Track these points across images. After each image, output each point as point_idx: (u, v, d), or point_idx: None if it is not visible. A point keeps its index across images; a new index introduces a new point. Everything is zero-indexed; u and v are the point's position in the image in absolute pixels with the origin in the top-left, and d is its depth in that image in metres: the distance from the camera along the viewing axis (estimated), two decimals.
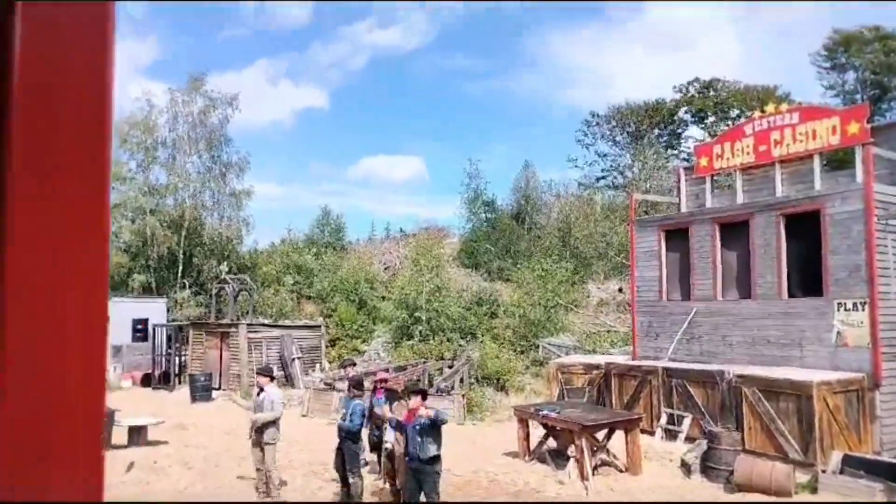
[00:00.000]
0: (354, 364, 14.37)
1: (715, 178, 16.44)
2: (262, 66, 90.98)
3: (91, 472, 0.72)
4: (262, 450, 9.44)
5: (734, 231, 14.40)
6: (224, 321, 25.24)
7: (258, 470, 9.63)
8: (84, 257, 0.74)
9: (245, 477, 10.58)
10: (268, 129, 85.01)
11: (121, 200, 32.30)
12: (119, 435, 13.75)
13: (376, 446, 9.99)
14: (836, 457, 10.13)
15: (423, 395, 8.16)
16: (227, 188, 35.13)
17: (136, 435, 13.78)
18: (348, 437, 9.22)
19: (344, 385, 11.94)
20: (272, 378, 10.27)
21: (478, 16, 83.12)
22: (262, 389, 9.77)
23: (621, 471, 11.16)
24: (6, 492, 0.66)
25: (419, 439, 7.62)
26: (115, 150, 33.24)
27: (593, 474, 10.54)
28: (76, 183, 0.74)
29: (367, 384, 11.25)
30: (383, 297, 29.37)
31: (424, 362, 20.40)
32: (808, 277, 12.98)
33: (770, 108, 15.19)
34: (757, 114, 15.40)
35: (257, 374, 10.23)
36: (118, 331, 26.73)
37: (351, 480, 9.12)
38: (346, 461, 9.20)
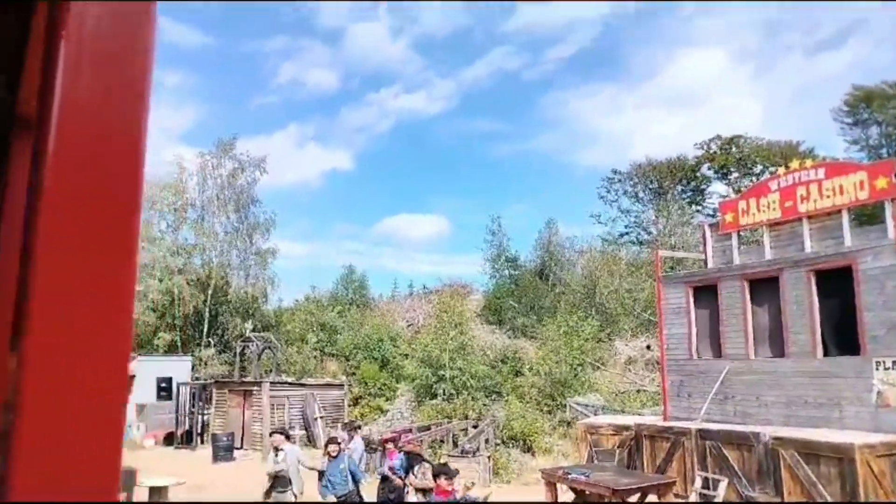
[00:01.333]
0: (359, 427, 14.00)
1: (741, 234, 16.27)
2: (291, 131, 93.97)
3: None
4: None
5: (764, 287, 14.13)
6: (247, 380, 25.23)
7: None
8: (109, 301, 0.75)
9: None
10: (295, 189, 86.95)
11: (149, 260, 32.98)
12: (140, 495, 13.59)
13: None
14: None
15: (451, 475, 7.79)
16: (253, 247, 35.76)
17: (157, 495, 13.60)
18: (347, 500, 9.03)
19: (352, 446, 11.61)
20: (288, 437, 10.27)
21: (500, 79, 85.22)
22: (278, 449, 9.69)
23: None
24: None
25: None
26: (146, 211, 34.21)
27: None
28: (107, 217, 0.76)
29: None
30: (406, 355, 29.15)
31: (449, 422, 20.01)
32: (842, 335, 12.60)
33: (795, 164, 15.14)
34: (781, 170, 15.34)
35: (272, 434, 10.16)
36: (143, 389, 26.82)
37: None
38: None
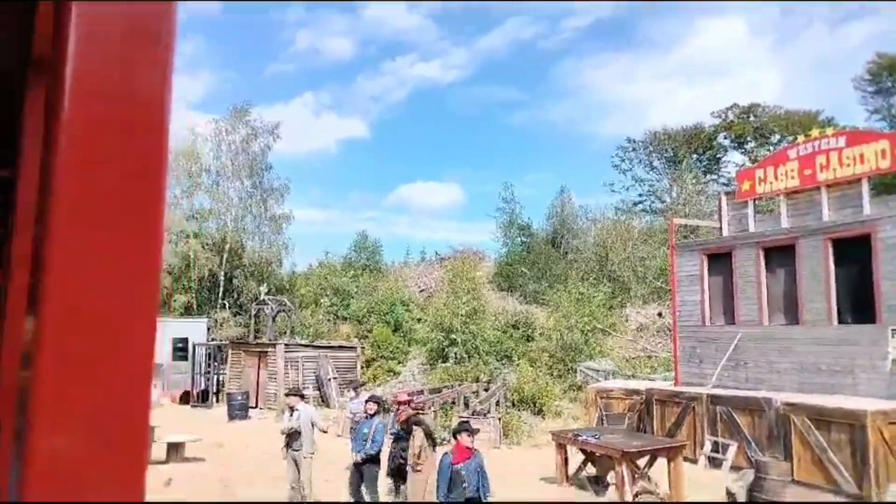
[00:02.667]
0: (364, 384, 14.45)
1: (757, 203, 16.12)
2: (307, 99, 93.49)
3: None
4: (298, 466, 9.47)
5: (779, 255, 14.05)
6: (262, 341, 25.57)
7: (292, 488, 9.65)
8: (136, 267, 0.72)
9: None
10: (311, 157, 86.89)
11: (165, 225, 33.21)
12: (158, 451, 13.95)
13: (400, 468, 9.68)
14: (892, 489, 9.66)
15: (473, 432, 7.63)
16: (267, 213, 35.91)
17: (175, 451, 13.96)
18: (370, 458, 9.17)
19: (354, 405, 11.82)
20: (303, 397, 10.44)
21: (516, 49, 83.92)
22: (293, 409, 9.85)
23: (662, 499, 10.82)
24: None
25: (478, 480, 7.28)
26: None
27: (634, 502, 10.24)
28: (130, 193, 0.72)
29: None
30: (419, 320, 29.37)
31: (460, 385, 20.25)
32: (858, 303, 12.56)
33: (815, 132, 14.90)
34: (801, 138, 15.11)
35: (288, 395, 10.30)
36: (160, 350, 27.31)
37: (371, 501, 9.05)
38: (365, 483, 9.14)
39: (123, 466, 0.72)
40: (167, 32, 0.72)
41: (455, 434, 7.59)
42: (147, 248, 0.73)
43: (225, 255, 33.41)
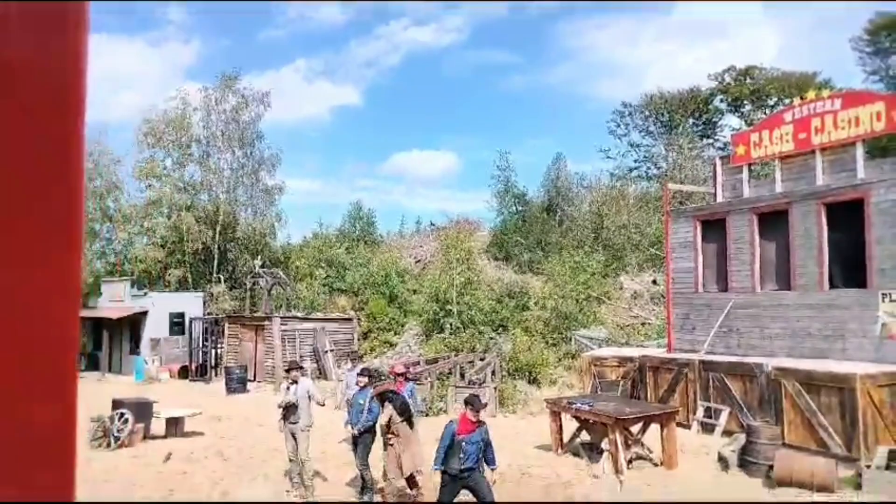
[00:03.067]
0: (361, 356, 14.60)
1: (752, 167, 16.03)
2: (300, 66, 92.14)
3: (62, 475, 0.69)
4: (296, 439, 9.56)
5: (773, 221, 14.03)
6: (258, 314, 25.63)
7: (291, 460, 9.76)
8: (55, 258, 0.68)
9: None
10: (304, 126, 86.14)
11: (157, 197, 33.01)
12: (157, 426, 14.06)
13: None
14: (881, 452, 9.81)
15: (478, 407, 7.60)
16: (259, 184, 35.68)
17: (174, 426, 14.08)
18: (367, 430, 9.26)
19: (351, 377, 11.88)
20: (301, 369, 10.54)
21: (511, 12, 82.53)
22: (294, 382, 9.88)
23: (656, 465, 10.99)
24: None
25: (478, 452, 7.39)
26: (151, 148, 33.95)
27: (627, 468, 10.39)
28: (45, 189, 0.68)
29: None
30: (414, 291, 29.43)
31: (455, 355, 20.38)
32: (850, 268, 12.58)
33: (810, 94, 14.73)
34: (797, 101, 14.94)
35: (289, 369, 10.31)
36: (156, 324, 27.38)
37: (366, 473, 9.16)
38: (358, 453, 9.26)
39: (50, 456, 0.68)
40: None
41: (467, 404, 7.66)
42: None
43: (218, 228, 33.27)
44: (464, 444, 7.28)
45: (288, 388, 9.94)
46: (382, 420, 8.80)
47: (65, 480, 0.69)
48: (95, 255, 34.18)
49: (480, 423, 7.48)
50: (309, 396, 9.81)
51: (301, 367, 10.82)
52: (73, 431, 0.70)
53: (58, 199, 0.69)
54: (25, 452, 0.66)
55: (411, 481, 8.72)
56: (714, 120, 42.01)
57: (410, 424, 8.77)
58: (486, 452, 7.41)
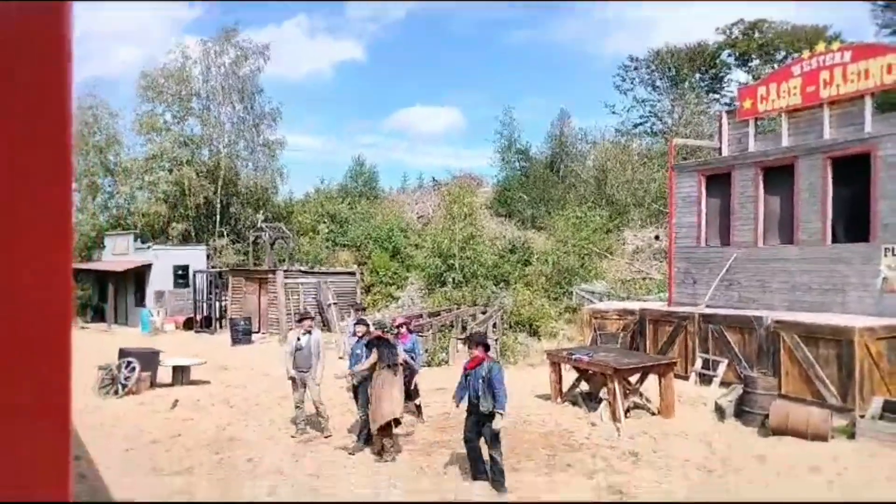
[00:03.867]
0: (364, 308, 15.09)
1: (758, 122, 15.83)
2: (301, 20, 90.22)
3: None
4: (306, 387, 9.93)
5: (778, 175, 13.94)
6: (262, 268, 25.78)
7: (297, 407, 10.01)
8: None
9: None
10: (306, 82, 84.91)
11: (158, 151, 32.82)
12: (164, 375, 14.31)
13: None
14: (876, 402, 9.96)
15: (486, 347, 8.15)
16: (260, 138, 35.41)
17: (180, 374, 14.32)
18: (365, 378, 9.46)
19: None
20: (312, 319, 10.81)
21: None
22: (308, 332, 10.12)
23: (654, 413, 11.19)
24: None
25: (481, 387, 7.64)
26: (151, 102, 33.58)
27: (625, 417, 10.60)
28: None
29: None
30: (416, 246, 29.51)
31: (457, 308, 20.56)
32: (854, 223, 12.56)
33: (820, 47, 14.42)
34: (806, 53, 14.65)
35: (301, 319, 10.63)
36: (160, 277, 27.58)
37: (363, 415, 9.42)
38: (360, 400, 9.55)
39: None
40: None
41: (476, 346, 8.13)
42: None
43: (220, 182, 33.17)
44: (469, 377, 7.88)
45: (299, 337, 10.21)
46: (365, 365, 9.04)
47: (61, 432, 0.71)
48: (98, 209, 34.21)
49: (485, 360, 7.80)
50: (318, 346, 10.12)
51: (313, 318, 11.14)
52: (68, 383, 0.72)
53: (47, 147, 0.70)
54: (24, 403, 0.68)
55: (384, 430, 8.80)
56: (721, 75, 41.27)
57: (394, 373, 8.88)
58: (491, 389, 7.57)
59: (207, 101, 34.13)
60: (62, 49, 0.69)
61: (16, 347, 0.67)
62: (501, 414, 7.54)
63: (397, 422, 8.94)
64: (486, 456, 7.75)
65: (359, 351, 9.70)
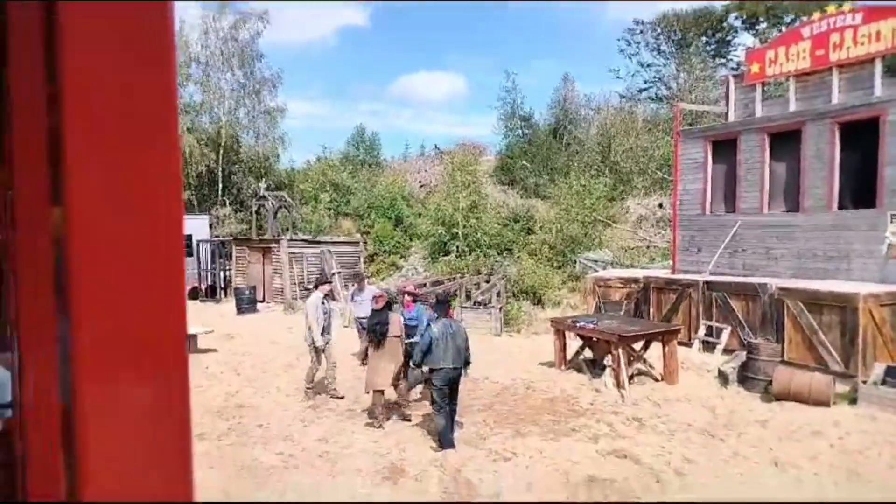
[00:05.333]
0: (367, 278, 15.47)
1: (766, 86, 15.61)
2: None
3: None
4: (322, 352, 10.29)
5: (785, 141, 13.80)
6: (265, 237, 25.80)
7: (316, 371, 10.43)
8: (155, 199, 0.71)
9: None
10: (308, 49, 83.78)
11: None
12: None
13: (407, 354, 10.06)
14: (878, 368, 10.04)
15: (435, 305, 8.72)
16: (261, 105, 35.09)
17: (188, 343, 14.41)
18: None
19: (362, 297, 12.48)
20: (317, 286, 11.02)
21: None
22: (327, 296, 10.64)
23: (657, 380, 11.31)
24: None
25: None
26: None
27: (629, 383, 10.70)
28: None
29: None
30: (419, 214, 29.47)
31: (461, 277, 20.62)
32: (861, 189, 12.48)
33: (831, 8, 14.13)
34: (817, 15, 14.36)
35: (321, 284, 10.99)
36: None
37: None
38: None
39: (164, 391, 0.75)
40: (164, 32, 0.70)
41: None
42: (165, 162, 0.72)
43: (221, 151, 32.99)
44: None
45: (324, 301, 10.45)
46: (362, 347, 9.24)
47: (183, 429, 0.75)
48: None
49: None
50: (330, 313, 10.56)
51: (331, 282, 11.57)
52: (187, 379, 0.77)
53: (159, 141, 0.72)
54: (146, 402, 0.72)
55: (376, 396, 8.97)
56: (728, 38, 40.58)
57: (382, 345, 8.89)
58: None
59: (207, 68, 33.73)
60: (168, 49, 0.70)
61: (138, 343, 0.71)
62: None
63: (396, 388, 9.14)
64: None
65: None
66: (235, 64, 33.82)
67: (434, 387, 8.06)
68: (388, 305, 9.45)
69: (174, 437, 0.74)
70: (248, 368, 12.81)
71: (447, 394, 7.95)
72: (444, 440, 7.84)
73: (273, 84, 35.16)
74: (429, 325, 8.24)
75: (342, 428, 8.82)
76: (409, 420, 9.08)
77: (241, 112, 34.83)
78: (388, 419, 8.96)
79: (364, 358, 10.10)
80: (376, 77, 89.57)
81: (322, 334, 10.16)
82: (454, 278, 20.43)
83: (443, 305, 8.51)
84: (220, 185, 33.49)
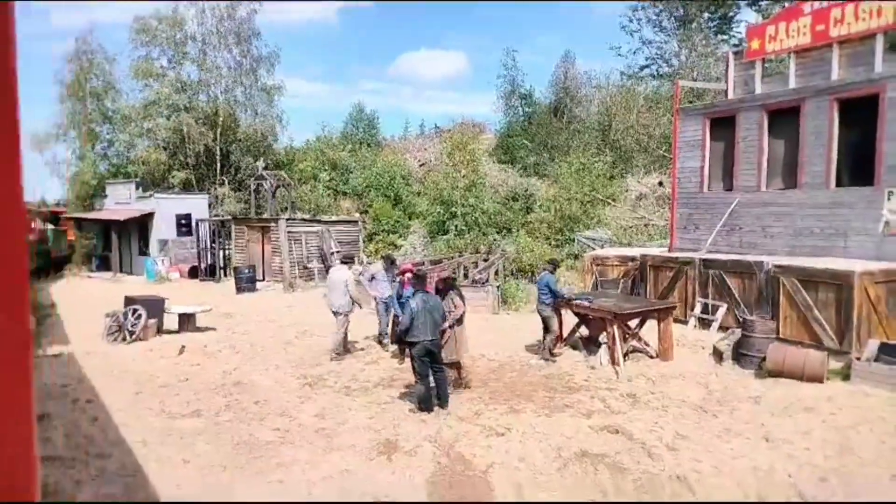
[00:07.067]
0: (353, 258, 16.92)
1: (766, 63, 15.46)
2: None
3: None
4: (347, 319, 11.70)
5: (784, 118, 13.72)
6: (265, 216, 25.79)
7: (343, 335, 11.77)
8: None
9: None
10: (310, 28, 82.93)
11: (155, 97, 32.36)
12: (170, 322, 14.52)
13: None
14: (872, 345, 10.08)
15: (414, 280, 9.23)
16: (258, 84, 34.84)
17: (186, 322, 14.52)
18: None
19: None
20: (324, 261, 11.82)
21: None
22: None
23: (652, 357, 11.37)
24: None
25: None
26: (146, 47, 32.92)
27: (624, 360, 10.77)
28: None
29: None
30: (418, 193, 29.41)
31: (460, 256, 20.64)
32: (859, 166, 12.42)
33: None
34: None
35: (350, 258, 12.71)
36: (163, 225, 27.65)
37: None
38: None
39: None
40: None
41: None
42: None
43: (219, 129, 32.82)
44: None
45: (361, 273, 11.86)
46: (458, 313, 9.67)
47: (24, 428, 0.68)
48: (98, 158, 34.01)
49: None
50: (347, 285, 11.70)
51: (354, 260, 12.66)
52: (30, 378, 0.70)
53: None
54: None
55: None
56: (730, 15, 40.11)
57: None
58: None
59: (203, 45, 33.42)
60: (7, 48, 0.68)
61: None
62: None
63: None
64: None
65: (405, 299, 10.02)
66: (232, 41, 33.51)
67: (413, 358, 8.56)
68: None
69: (14, 435, 0.67)
70: (246, 347, 12.88)
71: (428, 363, 8.49)
72: (425, 405, 8.42)
73: (271, 62, 34.90)
74: (408, 299, 8.66)
75: (338, 404, 8.90)
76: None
77: (239, 91, 34.61)
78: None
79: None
80: (377, 57, 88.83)
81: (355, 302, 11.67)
82: (452, 257, 20.46)
83: (421, 280, 9.00)
84: (219, 165, 33.39)
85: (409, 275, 11.42)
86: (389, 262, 12.40)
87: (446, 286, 9.59)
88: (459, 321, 9.46)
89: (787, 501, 5.38)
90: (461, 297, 9.74)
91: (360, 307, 12.02)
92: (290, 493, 6.11)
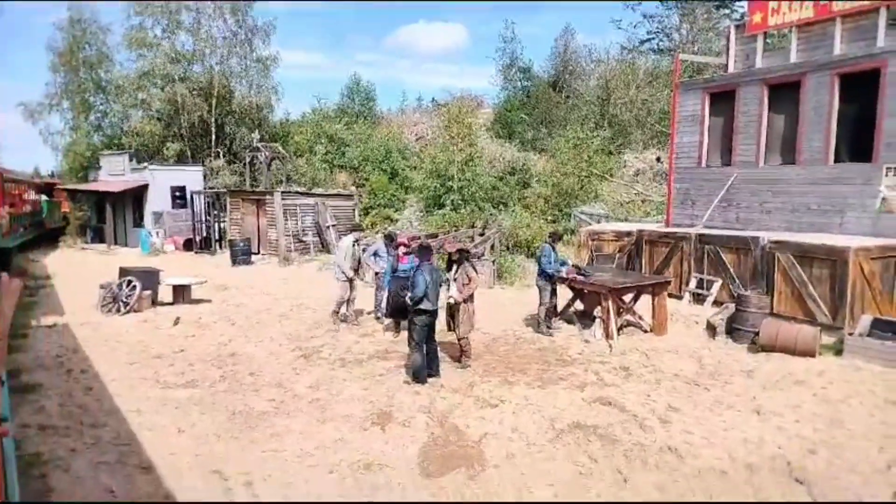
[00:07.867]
0: (361, 227, 17.40)
1: (767, 37, 15.27)
2: None
3: None
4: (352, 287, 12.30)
5: (784, 93, 13.59)
6: (260, 189, 25.64)
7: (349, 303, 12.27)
8: None
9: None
10: None
11: (149, 68, 31.92)
12: (165, 294, 14.50)
13: (403, 305, 10.10)
14: (865, 320, 10.12)
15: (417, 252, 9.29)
16: (253, 54, 34.38)
17: (181, 293, 14.50)
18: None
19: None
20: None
21: None
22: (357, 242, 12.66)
23: (646, 331, 11.41)
24: None
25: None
26: (138, 17, 32.37)
27: (618, 334, 10.81)
28: None
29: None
30: (414, 167, 29.23)
31: (456, 230, 20.59)
32: (858, 142, 12.35)
33: None
34: None
35: (357, 229, 13.69)
36: (158, 197, 27.48)
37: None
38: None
39: None
40: None
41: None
42: None
43: (214, 101, 32.45)
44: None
45: (355, 244, 12.33)
46: (473, 286, 9.57)
47: None
48: (92, 129, 33.65)
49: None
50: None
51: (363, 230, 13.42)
52: None
53: None
54: None
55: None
56: None
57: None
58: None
59: (198, 14, 32.88)
60: None
61: None
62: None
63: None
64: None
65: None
66: (227, 10, 32.98)
67: (415, 326, 8.55)
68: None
69: None
70: (241, 319, 12.89)
71: (427, 334, 8.55)
72: (419, 375, 8.45)
73: (266, 32, 34.39)
74: (417, 268, 8.58)
75: (333, 376, 8.93)
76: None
77: (234, 61, 34.16)
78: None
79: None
80: (376, 28, 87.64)
81: (357, 272, 12.28)
82: (448, 232, 20.40)
83: (426, 251, 8.95)
84: (213, 136, 33.08)
85: (402, 249, 11.41)
86: (390, 240, 12.32)
87: (461, 257, 9.37)
88: (471, 296, 9.35)
89: (787, 501, 5.44)
90: (475, 269, 9.57)
91: (362, 279, 12.53)
92: (285, 463, 6.14)
